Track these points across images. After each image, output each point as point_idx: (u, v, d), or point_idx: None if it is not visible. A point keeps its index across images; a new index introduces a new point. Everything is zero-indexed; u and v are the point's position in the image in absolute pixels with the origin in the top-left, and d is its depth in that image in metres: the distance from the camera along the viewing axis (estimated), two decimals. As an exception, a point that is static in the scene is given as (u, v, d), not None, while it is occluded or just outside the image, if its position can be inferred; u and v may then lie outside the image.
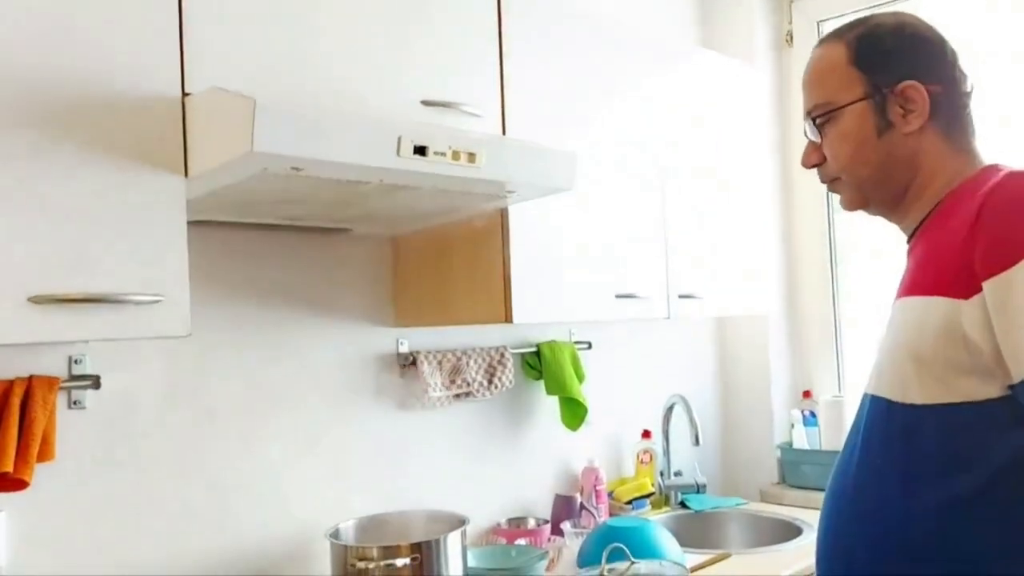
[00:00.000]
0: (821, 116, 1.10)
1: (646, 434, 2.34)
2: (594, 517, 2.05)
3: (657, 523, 1.87)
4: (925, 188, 1.06)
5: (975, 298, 0.90)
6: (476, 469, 1.98)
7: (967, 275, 0.91)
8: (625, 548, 1.64)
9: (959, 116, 1.07)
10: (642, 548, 1.71)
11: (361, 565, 1.44)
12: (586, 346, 2.22)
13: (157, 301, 1.11)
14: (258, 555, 1.58)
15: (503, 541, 1.87)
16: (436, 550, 1.50)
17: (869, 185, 1.09)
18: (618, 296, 1.82)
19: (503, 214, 1.61)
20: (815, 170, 1.15)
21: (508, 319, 1.61)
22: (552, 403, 2.13)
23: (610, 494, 2.21)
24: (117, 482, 1.42)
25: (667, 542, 1.81)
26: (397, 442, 1.83)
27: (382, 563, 1.44)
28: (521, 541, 1.85)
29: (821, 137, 1.11)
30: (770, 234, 2.50)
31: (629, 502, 2.21)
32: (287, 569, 1.61)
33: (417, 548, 1.47)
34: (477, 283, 1.66)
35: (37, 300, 1.02)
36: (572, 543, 1.90)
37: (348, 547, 1.49)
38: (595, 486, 2.14)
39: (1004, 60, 2.21)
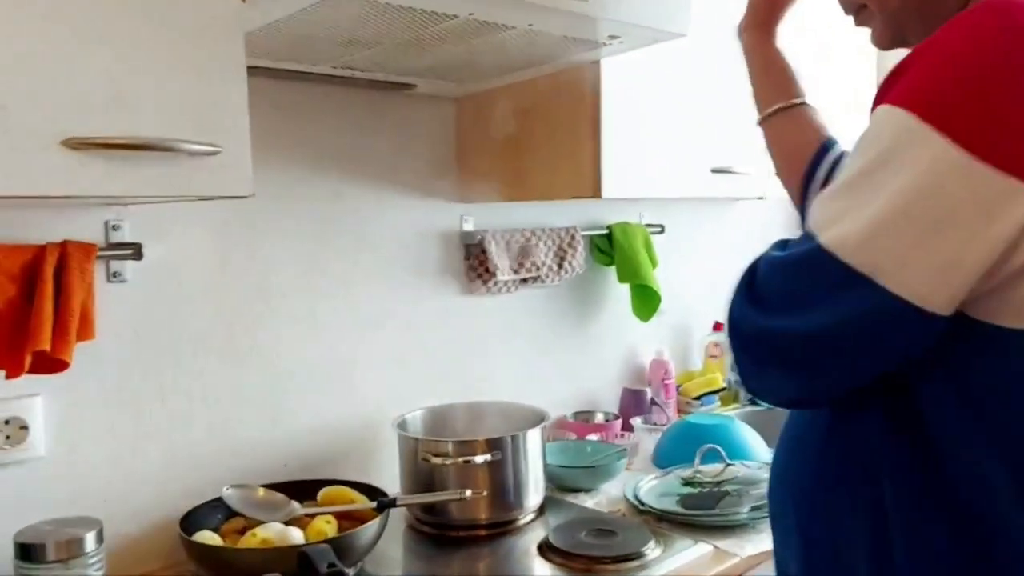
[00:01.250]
0: None
1: (718, 326, 2.17)
2: (664, 413, 1.91)
3: (739, 421, 1.72)
4: None
5: None
6: (541, 359, 1.83)
7: None
8: (720, 450, 1.50)
9: None
10: (729, 448, 1.56)
11: (436, 461, 1.30)
12: (658, 230, 2.03)
13: (215, 152, 0.91)
14: (316, 445, 1.45)
15: (572, 436, 1.73)
16: (515, 446, 1.35)
17: (904, 15, 0.81)
18: (714, 171, 1.61)
19: (596, 69, 1.38)
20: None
21: (596, 193, 1.41)
22: (622, 291, 1.96)
23: (677, 388, 2.07)
24: (164, 364, 1.27)
25: (754, 442, 1.67)
26: (461, 328, 1.67)
27: (460, 460, 1.30)
28: (592, 436, 1.71)
29: None
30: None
31: (698, 397, 2.07)
32: (349, 461, 1.48)
33: (496, 444, 1.33)
34: (560, 151, 1.45)
35: (72, 144, 0.82)
36: (645, 440, 1.77)
37: (420, 440, 1.35)
38: (663, 379, 1.99)
39: None
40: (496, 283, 1.67)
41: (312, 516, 1.20)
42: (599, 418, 1.85)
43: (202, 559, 1.12)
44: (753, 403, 2.16)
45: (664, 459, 1.66)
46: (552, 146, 1.46)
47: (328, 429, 1.46)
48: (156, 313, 1.26)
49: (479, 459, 1.30)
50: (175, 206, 1.27)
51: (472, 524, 1.35)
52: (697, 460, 1.48)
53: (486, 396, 1.63)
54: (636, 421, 1.83)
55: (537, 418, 1.44)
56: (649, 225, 2.00)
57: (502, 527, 1.35)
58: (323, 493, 1.29)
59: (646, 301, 1.93)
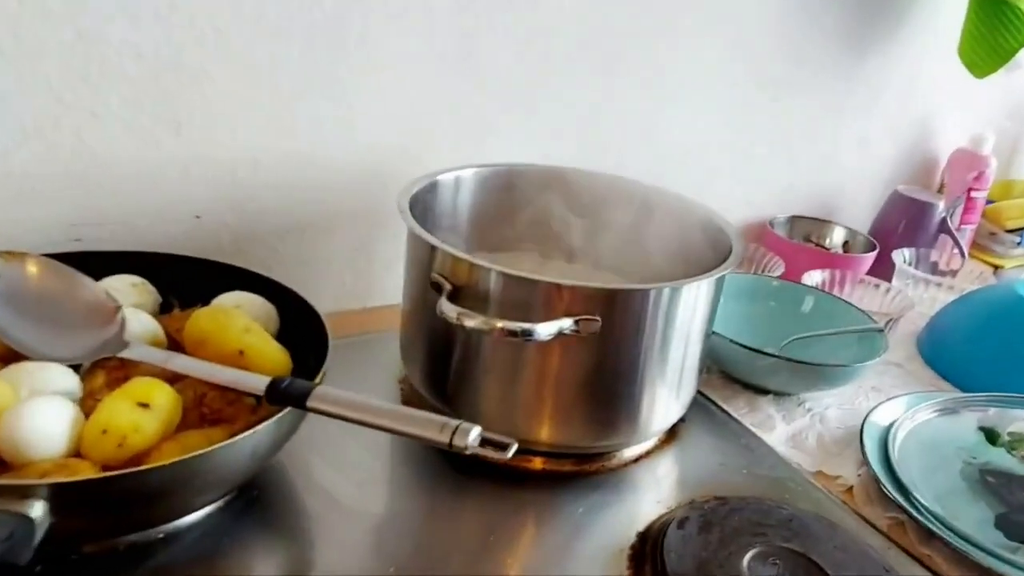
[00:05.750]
0: None
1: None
2: (960, 252, 1.04)
3: None
4: None
5: None
6: (750, 111, 0.97)
7: None
8: None
9: None
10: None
11: (452, 317, 0.55)
12: None
13: None
14: (269, 194, 0.73)
15: (779, 265, 0.92)
16: (645, 312, 0.58)
17: None
18: None
19: None
20: None
21: None
22: (945, 5, 1.01)
23: (987, 204, 1.17)
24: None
25: None
26: (610, 30, 0.83)
27: (499, 324, 0.54)
28: (815, 276, 0.90)
29: None
30: None
31: (1014, 230, 1.17)
32: (328, 241, 0.77)
33: (598, 301, 0.56)
34: None
35: None
36: (914, 297, 0.93)
37: (437, 251, 0.59)
38: (971, 189, 1.09)
39: None
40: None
41: (126, 368, 0.52)
42: (836, 238, 1.02)
43: None
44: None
45: (942, 357, 0.84)
46: None
47: (302, 166, 0.73)
48: None
49: (548, 329, 0.54)
50: None
51: (523, 446, 0.62)
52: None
53: (621, 164, 0.83)
54: (901, 259, 0.98)
55: (718, 251, 0.64)
56: None
57: (580, 463, 0.63)
58: (194, 318, 0.58)
59: (994, 33, 0.97)
